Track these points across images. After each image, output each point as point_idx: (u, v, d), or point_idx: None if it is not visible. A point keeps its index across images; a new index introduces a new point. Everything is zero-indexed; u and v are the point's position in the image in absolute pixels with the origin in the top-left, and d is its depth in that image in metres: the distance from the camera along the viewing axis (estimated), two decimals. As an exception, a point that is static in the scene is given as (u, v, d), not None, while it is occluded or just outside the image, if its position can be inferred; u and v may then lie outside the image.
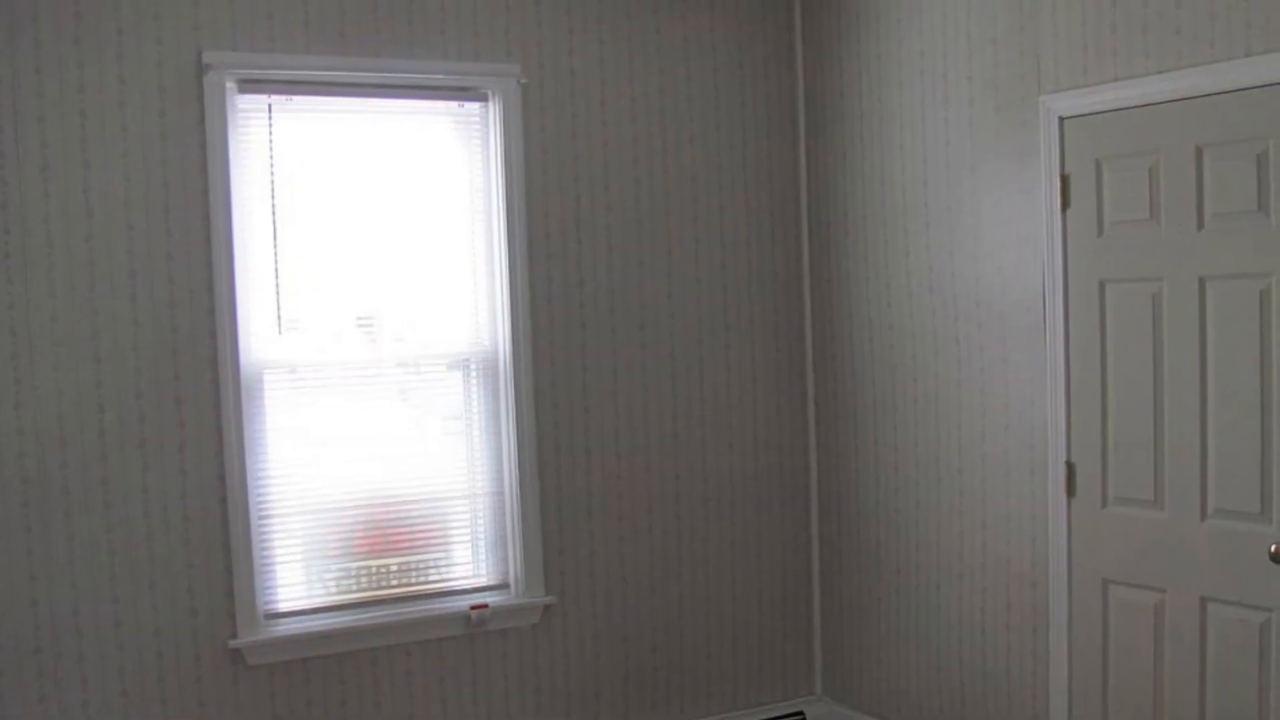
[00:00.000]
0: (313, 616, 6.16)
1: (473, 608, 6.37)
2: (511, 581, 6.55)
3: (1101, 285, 5.42)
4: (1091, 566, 5.56)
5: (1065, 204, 5.52)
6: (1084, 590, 5.59)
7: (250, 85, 5.94)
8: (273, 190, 6.01)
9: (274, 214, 6.02)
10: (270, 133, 6.01)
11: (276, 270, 6.03)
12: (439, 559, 6.45)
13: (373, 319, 6.29)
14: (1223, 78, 4.85)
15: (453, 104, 6.39)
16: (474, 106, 6.41)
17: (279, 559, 6.09)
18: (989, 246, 6.00)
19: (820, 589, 7.35)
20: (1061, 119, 5.51)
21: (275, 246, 6.02)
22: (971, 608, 6.25)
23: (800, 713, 7.30)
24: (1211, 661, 5.08)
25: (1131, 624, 5.40)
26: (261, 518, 6.02)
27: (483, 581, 6.53)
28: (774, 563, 7.26)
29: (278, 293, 6.04)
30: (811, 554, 7.35)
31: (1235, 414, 4.94)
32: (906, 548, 6.64)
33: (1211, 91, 4.91)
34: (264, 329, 6.02)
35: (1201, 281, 5.01)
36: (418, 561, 6.40)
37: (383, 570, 6.32)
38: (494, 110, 6.41)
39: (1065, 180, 5.51)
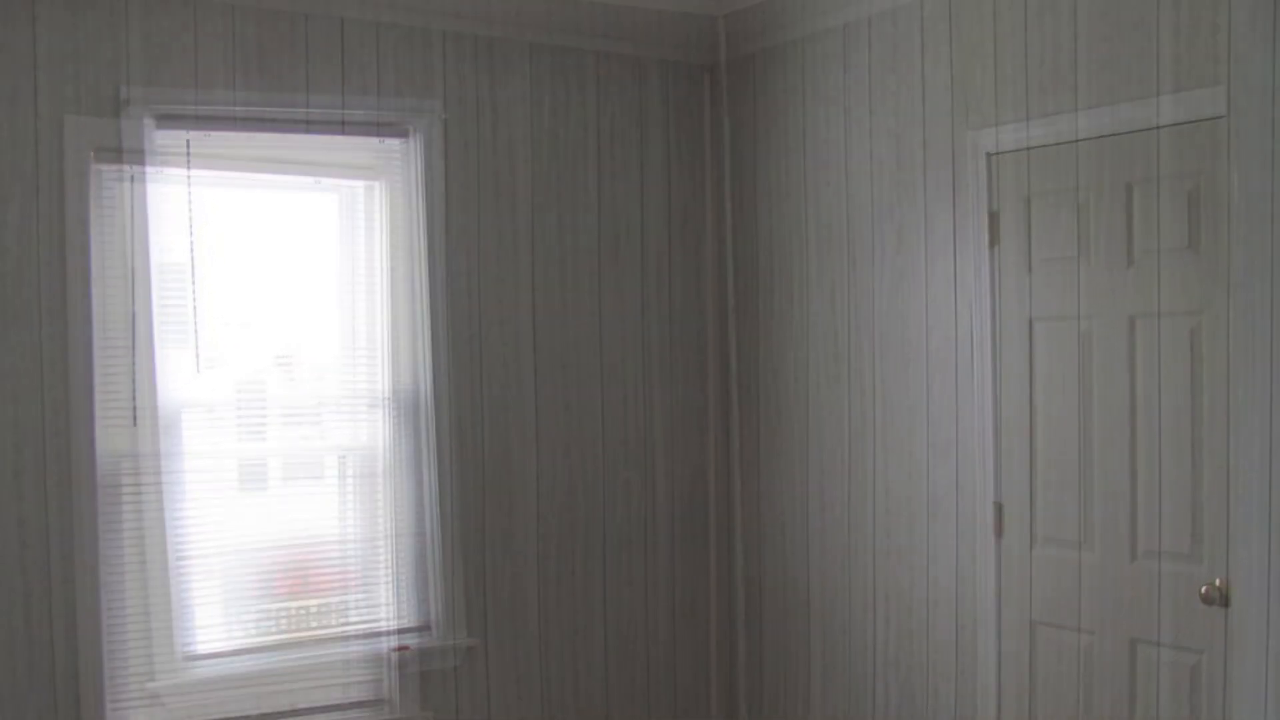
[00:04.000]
0: (232, 658, 5.92)
1: (394, 649, 6.18)
2: (433, 623, 6.31)
3: (1030, 323, 5.25)
4: (1019, 608, 5.36)
5: (993, 241, 5.37)
6: (1012, 632, 5.40)
7: (168, 121, 5.68)
8: (190, 226, 5.79)
9: (192, 250, 5.78)
10: (188, 168, 5.79)
11: (195, 308, 5.77)
12: (360, 600, 6.18)
13: (292, 357, 6.08)
14: (1153, 114, 4.68)
15: (374, 139, 6.16)
16: (395, 142, 6.19)
17: (197, 600, 5.84)
18: (915, 284, 5.81)
19: (745, 631, 7.12)
20: (989, 155, 5.35)
21: (193, 283, 5.78)
22: (898, 650, 6.03)
23: (726, 752, 7.12)
24: (1141, 704, 4.92)
25: (1060, 666, 5.21)
26: (179, 558, 5.75)
27: (404, 623, 6.28)
28: (698, 605, 7.10)
29: (196, 331, 5.78)
30: (735, 596, 7.13)
31: (1165, 454, 4.77)
32: (833, 589, 6.42)
33: (1142, 128, 4.75)
34: (182, 367, 5.75)
35: (1131, 320, 4.86)
36: (338, 603, 6.15)
37: (303, 611, 6.09)
38: (415, 146, 6.19)
39: (993, 217, 5.36)
